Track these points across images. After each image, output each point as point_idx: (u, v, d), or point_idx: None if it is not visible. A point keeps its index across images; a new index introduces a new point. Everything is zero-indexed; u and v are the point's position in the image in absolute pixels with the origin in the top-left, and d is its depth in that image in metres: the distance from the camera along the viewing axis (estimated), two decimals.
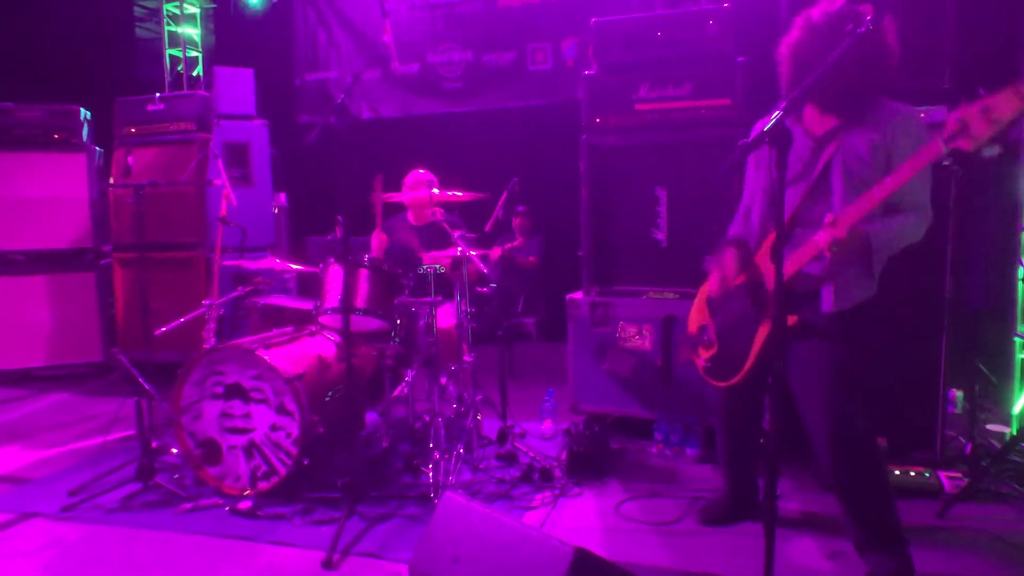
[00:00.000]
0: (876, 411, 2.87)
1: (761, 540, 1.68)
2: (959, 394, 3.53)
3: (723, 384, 2.36)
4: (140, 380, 2.93)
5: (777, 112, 1.54)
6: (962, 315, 3.09)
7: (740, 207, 2.48)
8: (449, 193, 3.32)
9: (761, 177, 2.25)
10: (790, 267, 2.03)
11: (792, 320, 2.04)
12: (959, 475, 2.80)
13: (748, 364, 2.23)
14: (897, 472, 2.81)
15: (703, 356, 2.44)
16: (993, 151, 2.41)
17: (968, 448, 2.97)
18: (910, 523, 2.52)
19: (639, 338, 3.41)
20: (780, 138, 1.50)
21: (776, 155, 1.51)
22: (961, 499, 2.65)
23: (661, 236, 3.41)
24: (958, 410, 3.48)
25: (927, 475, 2.79)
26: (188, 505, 2.80)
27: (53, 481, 3.13)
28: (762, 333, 2.19)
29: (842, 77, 1.82)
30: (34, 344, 5.13)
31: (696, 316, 2.52)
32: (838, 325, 2.06)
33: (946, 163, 2.81)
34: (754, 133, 2.37)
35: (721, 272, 2.31)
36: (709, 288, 2.42)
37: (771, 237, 2.13)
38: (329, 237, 3.37)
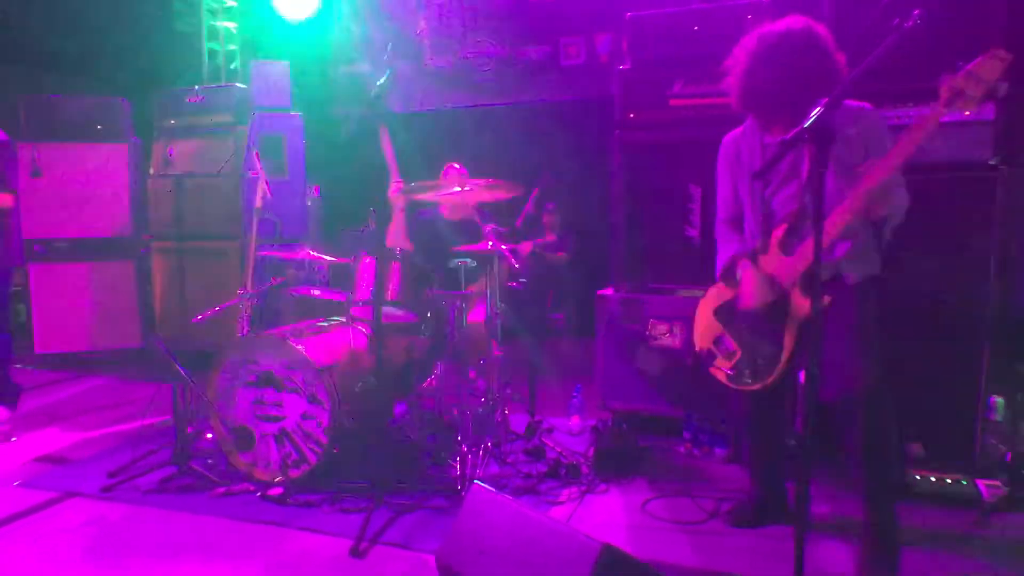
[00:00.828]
0: (915, 417, 2.84)
1: (789, 543, 1.66)
2: (1000, 400, 3.43)
3: (755, 388, 2.34)
4: (177, 366, 3.00)
5: (818, 109, 1.51)
6: (1005, 320, 3.00)
7: (720, 221, 2.55)
8: (484, 184, 3.32)
9: (749, 185, 2.38)
10: (806, 258, 2.13)
11: (827, 300, 2.14)
12: (998, 484, 2.72)
13: (784, 361, 2.23)
14: (934, 479, 2.75)
15: (725, 366, 2.42)
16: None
17: (1008, 456, 2.89)
18: (947, 531, 2.48)
19: (670, 336, 3.38)
20: (821, 134, 1.48)
21: (816, 151, 1.49)
22: (1000, 508, 2.59)
23: (694, 233, 3.37)
24: (998, 417, 3.38)
25: (965, 483, 2.72)
26: (221, 489, 2.86)
27: (93, 462, 3.22)
28: (792, 329, 2.20)
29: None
30: (77, 329, 5.29)
31: (704, 330, 2.51)
32: (857, 292, 2.21)
33: (992, 162, 2.73)
34: (725, 144, 2.50)
35: (750, 287, 2.33)
36: (715, 300, 2.48)
37: (779, 231, 2.26)
38: (362, 229, 3.42)
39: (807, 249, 2.13)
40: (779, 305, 2.24)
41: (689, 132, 3.31)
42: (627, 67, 3.46)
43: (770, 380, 2.28)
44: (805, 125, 1.51)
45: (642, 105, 3.39)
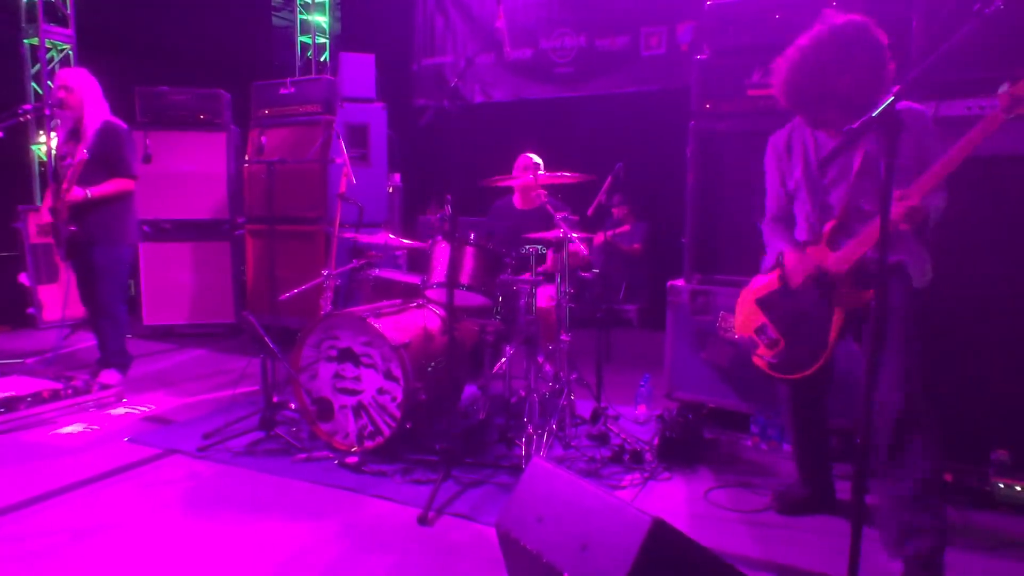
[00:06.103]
0: (1001, 422, 2.71)
1: (846, 537, 1.66)
2: None
3: (794, 377, 2.37)
4: (266, 341, 3.23)
5: (890, 98, 1.50)
6: None
7: (769, 219, 2.53)
8: (554, 175, 3.39)
9: (804, 178, 2.38)
10: (856, 251, 2.15)
11: (869, 295, 2.14)
12: None
13: (826, 353, 2.26)
14: (1019, 488, 2.63)
15: (767, 355, 2.45)
16: None
17: None
18: None
19: None
20: (890, 124, 1.46)
21: (886, 141, 1.47)
22: None
23: None
24: None
25: None
26: (303, 456, 3.07)
27: (192, 424, 3.52)
28: (837, 319, 2.22)
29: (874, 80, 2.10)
30: (179, 304, 5.73)
31: (747, 319, 2.53)
32: (915, 302, 2.16)
33: None
34: (774, 142, 2.49)
35: (797, 269, 2.34)
36: (760, 289, 2.49)
37: (829, 226, 2.26)
38: (438, 216, 3.55)
39: (855, 245, 2.15)
40: (825, 296, 2.25)
41: (766, 122, 3.23)
42: (705, 56, 3.43)
43: (811, 370, 2.30)
44: (874, 114, 1.49)
45: (719, 95, 3.36)
